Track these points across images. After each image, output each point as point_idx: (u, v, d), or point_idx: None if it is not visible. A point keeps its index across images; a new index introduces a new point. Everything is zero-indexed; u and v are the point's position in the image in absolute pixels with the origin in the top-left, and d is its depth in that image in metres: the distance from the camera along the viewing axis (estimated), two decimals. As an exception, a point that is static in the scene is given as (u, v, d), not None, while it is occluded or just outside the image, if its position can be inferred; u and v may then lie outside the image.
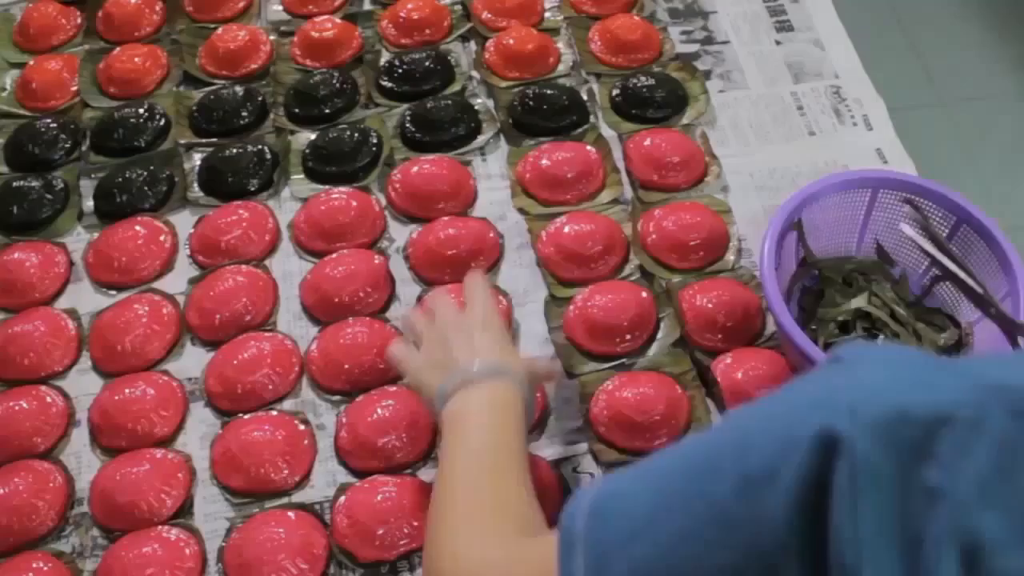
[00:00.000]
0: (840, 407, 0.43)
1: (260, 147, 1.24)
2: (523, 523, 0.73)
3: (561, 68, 1.32)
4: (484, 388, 0.84)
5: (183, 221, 1.19)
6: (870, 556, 0.40)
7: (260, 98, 1.29)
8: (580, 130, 1.25)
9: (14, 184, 1.22)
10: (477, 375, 0.84)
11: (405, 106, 1.28)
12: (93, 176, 1.23)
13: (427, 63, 1.31)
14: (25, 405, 1.03)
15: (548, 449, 1.01)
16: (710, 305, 1.07)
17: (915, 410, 0.41)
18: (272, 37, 1.37)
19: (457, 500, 0.76)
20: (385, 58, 1.34)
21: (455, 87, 1.30)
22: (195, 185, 1.22)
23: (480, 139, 1.25)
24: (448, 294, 1.00)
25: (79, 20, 1.41)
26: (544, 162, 1.20)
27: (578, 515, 0.53)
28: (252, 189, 1.21)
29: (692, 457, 0.50)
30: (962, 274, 0.98)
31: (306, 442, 1.01)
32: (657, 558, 0.48)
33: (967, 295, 0.99)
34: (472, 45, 1.36)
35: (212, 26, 1.38)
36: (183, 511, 0.98)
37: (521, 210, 1.18)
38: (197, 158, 1.25)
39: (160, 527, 0.96)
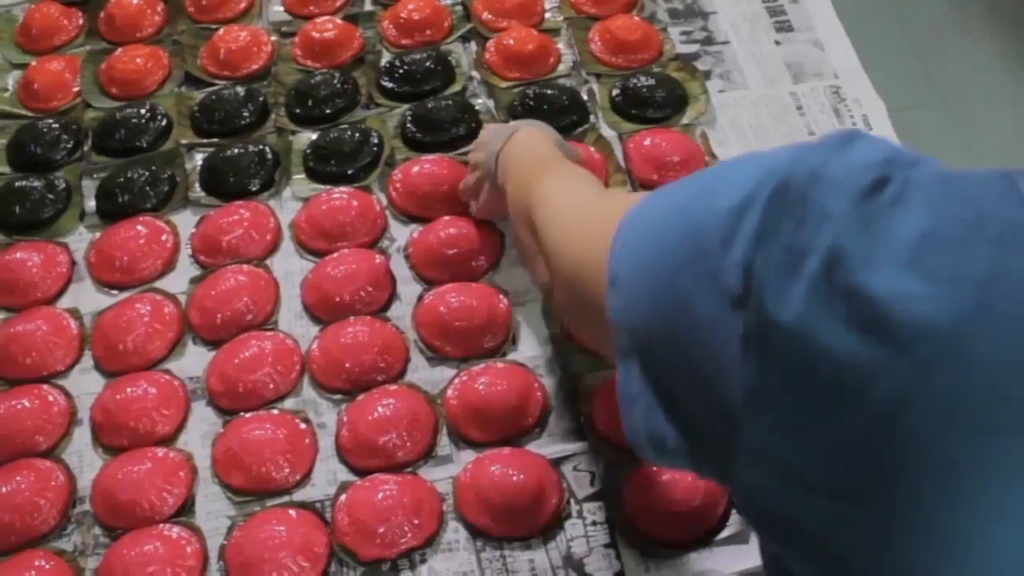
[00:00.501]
0: (803, 150, 0.49)
1: (261, 147, 1.24)
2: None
3: (561, 68, 1.33)
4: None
5: (185, 221, 1.20)
6: (763, 251, 0.46)
7: (261, 98, 1.30)
8: (580, 130, 1.26)
9: (16, 184, 1.22)
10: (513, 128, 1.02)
11: (406, 106, 1.28)
12: (95, 176, 1.24)
13: (428, 63, 1.31)
14: (27, 404, 1.04)
15: (548, 448, 1.01)
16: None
17: (843, 158, 0.47)
18: (273, 38, 1.38)
19: (551, 191, 0.85)
20: (386, 58, 1.34)
21: (456, 87, 1.31)
22: (196, 185, 1.23)
23: (480, 139, 1.25)
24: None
25: (81, 21, 1.42)
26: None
27: (634, 210, 0.61)
28: (253, 189, 1.21)
29: (691, 186, 0.58)
30: None
31: (307, 441, 1.02)
32: (646, 254, 0.56)
33: None
34: (472, 45, 1.36)
35: (213, 27, 1.38)
36: (184, 509, 0.98)
37: None
38: (199, 158, 1.25)
39: (161, 525, 0.96)
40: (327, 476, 1.00)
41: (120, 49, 1.36)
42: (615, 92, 1.29)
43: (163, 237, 1.17)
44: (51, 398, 1.05)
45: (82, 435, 1.04)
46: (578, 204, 0.79)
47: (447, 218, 1.16)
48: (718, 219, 0.49)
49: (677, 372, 0.53)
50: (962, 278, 0.41)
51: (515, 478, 0.96)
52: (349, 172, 1.22)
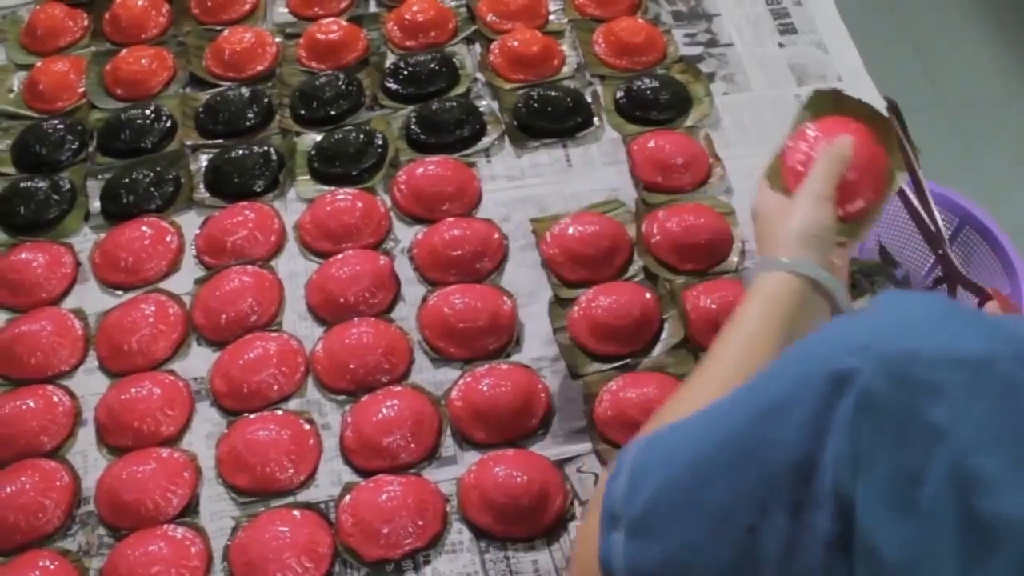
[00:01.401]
0: (855, 345, 0.44)
1: (266, 148, 1.24)
2: None
3: (565, 70, 1.33)
4: (767, 282, 0.79)
5: (189, 222, 1.20)
6: (866, 481, 0.41)
7: (266, 100, 1.30)
8: (584, 132, 1.26)
9: (21, 185, 1.22)
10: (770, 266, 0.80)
11: (410, 108, 1.28)
12: (100, 177, 1.24)
13: (432, 65, 1.31)
14: (32, 404, 1.04)
15: (552, 449, 1.01)
16: (714, 306, 1.07)
17: (927, 351, 0.42)
18: (278, 39, 1.38)
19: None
20: (390, 60, 1.34)
21: (460, 89, 1.31)
22: (201, 186, 1.23)
23: (485, 141, 1.26)
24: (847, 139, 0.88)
25: (86, 22, 1.42)
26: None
27: (631, 448, 0.55)
28: (258, 190, 1.21)
29: (723, 400, 0.52)
30: (916, 202, 0.94)
31: (311, 441, 1.02)
32: (678, 478, 0.50)
33: (919, 228, 0.95)
34: (477, 47, 1.36)
35: (218, 28, 1.38)
36: (189, 510, 0.98)
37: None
38: (203, 159, 1.25)
39: (166, 526, 0.96)
40: (331, 477, 1.01)
41: (125, 50, 1.36)
42: (619, 94, 1.29)
43: (168, 238, 1.17)
44: (56, 398, 1.05)
45: (87, 435, 1.04)
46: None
47: (451, 220, 1.16)
48: (789, 440, 0.44)
49: None
50: None
51: (519, 479, 0.96)
52: (353, 173, 1.22)
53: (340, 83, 1.30)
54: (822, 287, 0.77)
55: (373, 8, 1.42)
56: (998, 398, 0.40)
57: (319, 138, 1.26)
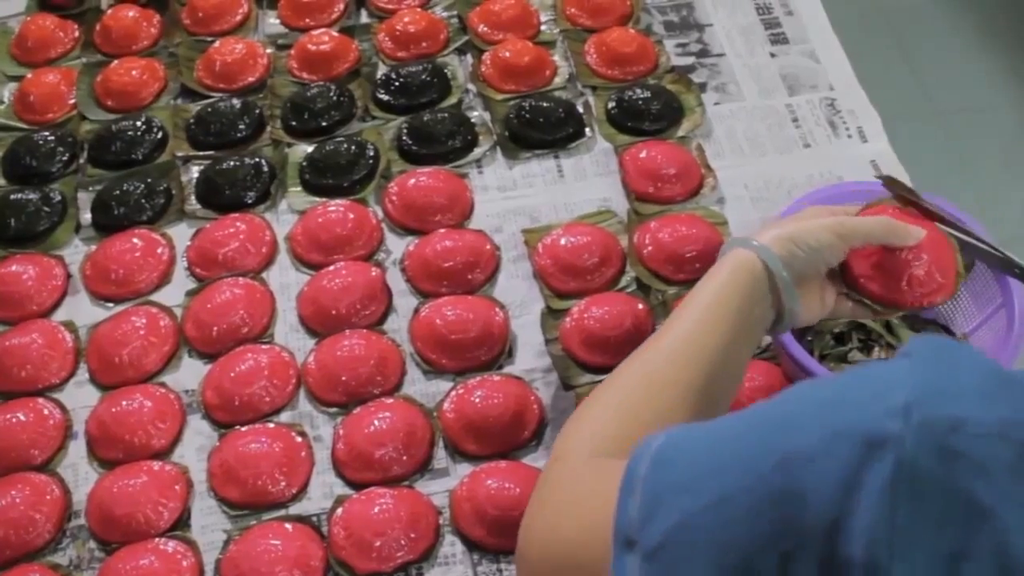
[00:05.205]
0: (896, 405, 0.42)
1: (257, 160, 1.24)
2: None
3: (557, 81, 1.33)
4: (728, 257, 0.80)
5: (180, 234, 1.20)
6: (903, 560, 0.39)
7: (257, 111, 1.30)
8: (576, 143, 1.26)
9: (11, 197, 1.22)
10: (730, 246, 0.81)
11: (402, 119, 1.28)
12: (91, 189, 1.23)
13: (423, 76, 1.31)
14: (22, 417, 1.03)
15: (545, 461, 1.00)
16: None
17: (973, 422, 0.40)
18: (269, 50, 1.38)
19: (614, 386, 0.76)
20: (382, 71, 1.34)
21: (451, 100, 1.31)
22: (192, 198, 1.23)
23: (477, 151, 1.26)
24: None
25: (77, 33, 1.42)
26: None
27: (644, 458, 0.54)
28: (249, 202, 1.21)
29: (747, 426, 0.51)
30: (972, 240, 0.92)
31: (303, 454, 1.02)
32: (700, 514, 0.48)
33: (986, 260, 0.93)
34: (468, 58, 1.36)
35: (209, 39, 1.38)
36: (180, 523, 0.98)
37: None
38: (194, 171, 1.25)
39: (157, 539, 0.96)
40: (323, 489, 1.00)
41: (116, 61, 1.35)
42: (611, 104, 1.29)
43: (159, 250, 1.17)
44: (46, 411, 1.05)
45: (77, 448, 1.04)
46: (576, 491, 0.67)
47: (443, 231, 1.16)
48: (819, 494, 0.42)
49: None
50: None
51: (511, 491, 0.95)
52: (345, 185, 1.22)
53: (331, 94, 1.29)
54: (775, 282, 0.78)
55: (364, 19, 1.42)
56: None
57: (310, 149, 1.25)
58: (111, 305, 1.14)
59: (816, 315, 0.85)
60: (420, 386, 1.07)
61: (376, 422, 1.01)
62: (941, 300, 0.87)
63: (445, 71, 1.33)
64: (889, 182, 0.93)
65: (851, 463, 0.41)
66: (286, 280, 1.15)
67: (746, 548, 0.45)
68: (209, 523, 0.99)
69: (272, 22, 1.42)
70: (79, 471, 1.03)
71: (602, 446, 0.71)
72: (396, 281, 1.14)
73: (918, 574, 0.38)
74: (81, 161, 1.27)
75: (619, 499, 0.53)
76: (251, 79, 1.34)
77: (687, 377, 0.74)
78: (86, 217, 1.21)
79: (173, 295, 1.14)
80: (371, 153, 1.24)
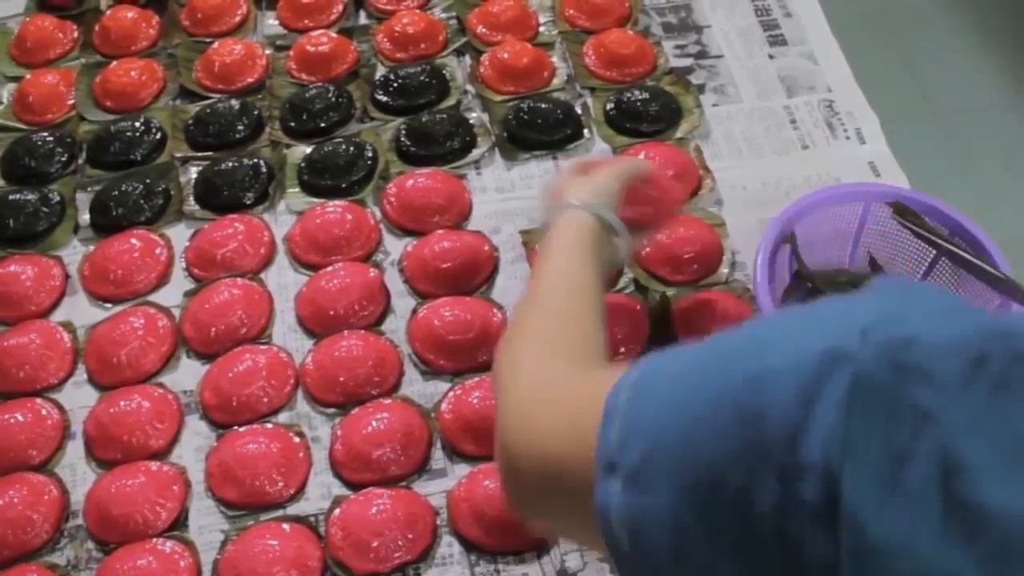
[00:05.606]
0: (856, 326, 0.45)
1: (256, 161, 1.24)
2: (585, 347, 0.76)
3: (556, 82, 1.33)
4: (567, 218, 0.89)
5: (179, 234, 1.20)
6: (853, 462, 0.41)
7: (256, 112, 1.30)
8: (574, 144, 1.26)
9: (10, 197, 1.22)
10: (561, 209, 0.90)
11: (400, 120, 1.28)
12: (89, 189, 1.23)
13: (422, 77, 1.31)
14: (20, 417, 1.04)
15: (542, 461, 1.01)
16: (704, 318, 1.07)
17: (925, 338, 0.43)
18: (268, 51, 1.38)
19: (533, 315, 0.80)
20: (380, 72, 1.34)
21: (450, 101, 1.31)
22: (191, 198, 1.23)
23: (475, 153, 1.26)
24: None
25: (76, 34, 1.42)
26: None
27: (622, 390, 0.56)
28: (248, 202, 1.21)
29: (718, 353, 0.53)
30: (974, 259, 0.99)
31: (301, 455, 1.02)
32: (675, 433, 0.50)
33: (985, 279, 0.99)
34: (467, 59, 1.37)
35: (208, 40, 1.38)
36: (178, 524, 0.98)
37: None
38: (193, 171, 1.25)
39: (155, 540, 0.96)
40: (321, 490, 1.00)
41: (115, 62, 1.36)
42: (609, 106, 1.29)
43: (157, 250, 1.17)
44: (44, 411, 1.05)
45: (75, 449, 1.04)
46: (548, 384, 0.69)
47: (441, 232, 1.16)
48: (780, 408, 0.44)
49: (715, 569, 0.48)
50: None
51: (509, 492, 0.95)
52: (343, 186, 1.22)
53: (330, 95, 1.30)
54: (608, 225, 0.88)
55: (363, 20, 1.43)
56: (988, 394, 0.41)
57: (309, 150, 1.26)
58: (109, 305, 1.14)
59: (629, 250, 0.95)
60: (418, 387, 1.07)
61: (374, 423, 1.01)
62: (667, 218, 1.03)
63: (444, 72, 1.33)
64: (899, 210, 1.03)
65: (811, 378, 0.44)
66: (284, 281, 1.16)
67: (717, 464, 0.47)
68: (207, 523, 0.99)
69: (271, 23, 1.42)
70: (77, 471, 1.03)
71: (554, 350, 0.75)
72: (394, 282, 1.14)
73: (866, 474, 0.41)
74: (80, 162, 1.27)
75: (600, 430, 0.55)
76: (250, 80, 1.34)
77: (587, 307, 0.81)
78: (84, 218, 1.21)
79: (171, 296, 1.14)
80: (369, 154, 1.24)
